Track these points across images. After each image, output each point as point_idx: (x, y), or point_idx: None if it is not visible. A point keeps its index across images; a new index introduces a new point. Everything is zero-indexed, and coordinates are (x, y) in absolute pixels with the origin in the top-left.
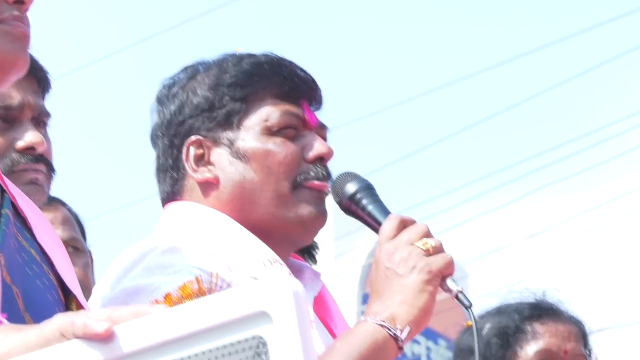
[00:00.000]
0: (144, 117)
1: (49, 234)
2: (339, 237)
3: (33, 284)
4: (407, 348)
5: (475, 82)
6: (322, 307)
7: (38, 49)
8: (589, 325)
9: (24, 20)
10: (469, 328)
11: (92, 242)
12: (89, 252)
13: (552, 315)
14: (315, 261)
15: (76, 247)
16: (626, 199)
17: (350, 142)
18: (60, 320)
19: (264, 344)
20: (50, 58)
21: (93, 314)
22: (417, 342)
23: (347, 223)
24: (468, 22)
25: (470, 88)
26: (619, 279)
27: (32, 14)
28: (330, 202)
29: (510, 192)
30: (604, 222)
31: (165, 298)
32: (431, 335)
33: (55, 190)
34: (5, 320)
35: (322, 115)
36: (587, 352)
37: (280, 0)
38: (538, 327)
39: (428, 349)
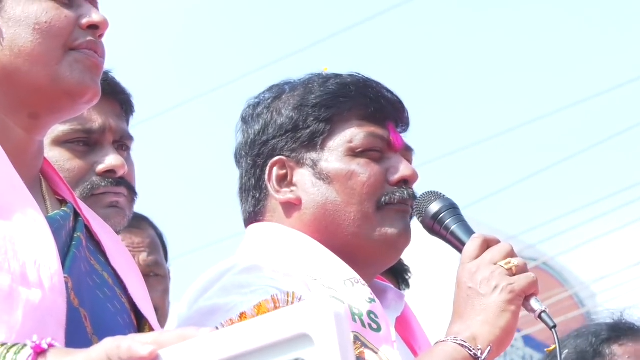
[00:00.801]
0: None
1: (124, 258)
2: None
3: (103, 307)
4: None
5: (599, 101)
6: (405, 327)
7: (144, 85)
8: None
9: (98, 48)
10: (550, 354)
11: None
12: (169, 271)
13: (631, 336)
14: (408, 285)
15: (158, 273)
16: None
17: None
18: (108, 344)
19: None
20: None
21: (139, 337)
22: None
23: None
24: (577, 46)
25: (594, 106)
26: None
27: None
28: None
29: (637, 209)
30: None
31: (240, 317)
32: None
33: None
34: (57, 344)
35: (409, 137)
36: None
37: (374, 36)
38: (616, 349)
39: None
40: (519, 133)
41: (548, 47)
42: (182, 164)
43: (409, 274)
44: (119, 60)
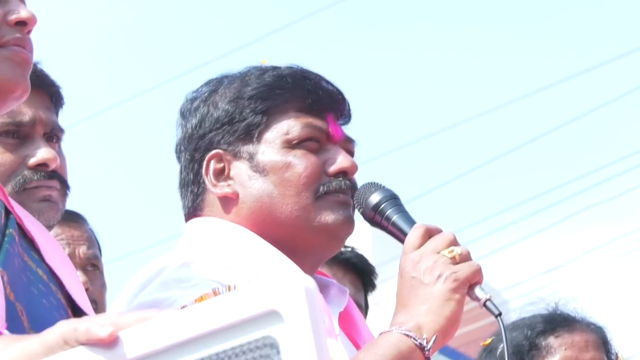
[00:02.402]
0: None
1: (58, 254)
2: (378, 264)
3: (38, 303)
4: None
5: (510, 110)
6: (348, 323)
7: (68, 86)
8: (609, 331)
9: (26, 44)
10: (486, 348)
11: (119, 280)
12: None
13: (567, 327)
14: (374, 287)
15: (96, 265)
16: None
17: (382, 173)
18: (63, 327)
19: (276, 345)
20: (80, 97)
21: (97, 320)
22: None
23: (387, 250)
24: (479, 59)
25: (504, 116)
26: None
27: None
28: (369, 229)
29: (548, 218)
30: None
31: None
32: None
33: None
34: (6, 331)
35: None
36: (610, 358)
37: (309, 36)
38: (552, 341)
39: None
40: (427, 144)
41: (449, 61)
42: (112, 165)
43: (375, 275)
44: (49, 55)
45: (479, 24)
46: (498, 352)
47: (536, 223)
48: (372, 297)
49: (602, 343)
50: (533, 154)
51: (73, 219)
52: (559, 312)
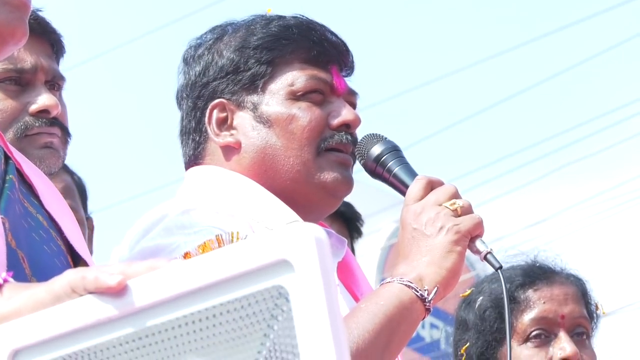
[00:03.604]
0: (154, 109)
1: (57, 200)
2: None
3: (40, 249)
4: (426, 333)
5: (491, 65)
6: (346, 273)
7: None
8: (588, 282)
9: None
10: (465, 300)
11: (102, 233)
12: (90, 219)
13: (546, 280)
14: (360, 233)
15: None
16: (631, 185)
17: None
18: (71, 275)
19: (286, 294)
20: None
21: (105, 268)
22: (436, 327)
23: (365, 206)
24: (464, 13)
25: (486, 71)
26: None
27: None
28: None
29: (530, 173)
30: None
31: (184, 257)
32: (450, 320)
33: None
34: (11, 279)
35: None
36: (591, 310)
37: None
38: (531, 294)
39: (447, 332)
40: (409, 98)
41: (428, 19)
42: (107, 114)
43: (361, 222)
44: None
45: None
46: (477, 304)
47: (518, 178)
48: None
49: (582, 295)
50: (514, 109)
51: None
52: (537, 264)
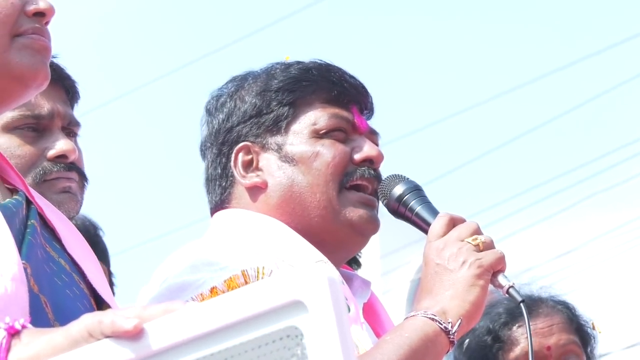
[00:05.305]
0: (181, 145)
1: (79, 244)
2: (385, 254)
3: (63, 294)
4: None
5: (514, 97)
6: (371, 314)
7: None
8: (576, 308)
9: (44, 33)
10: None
11: (131, 273)
12: (108, 272)
13: (529, 314)
14: (359, 265)
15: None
16: None
17: (389, 161)
18: (88, 320)
19: (300, 334)
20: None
21: (121, 312)
22: None
23: (394, 240)
24: (482, 45)
25: (510, 103)
26: None
27: (64, 47)
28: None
29: (554, 205)
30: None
31: (211, 292)
32: None
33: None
34: (30, 325)
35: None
36: (584, 333)
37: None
38: (515, 331)
39: None
40: (433, 132)
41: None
42: (116, 157)
43: (360, 253)
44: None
45: (482, 10)
46: (465, 347)
47: (545, 209)
48: (379, 286)
49: (569, 321)
50: (539, 140)
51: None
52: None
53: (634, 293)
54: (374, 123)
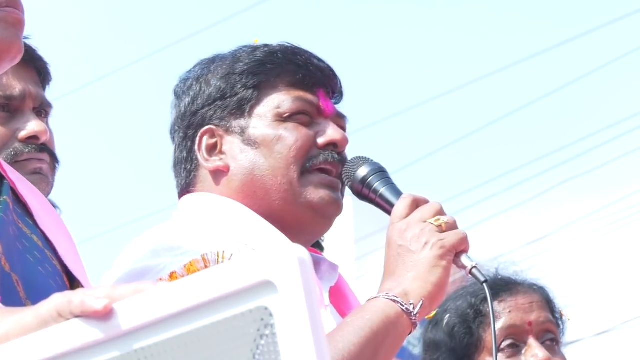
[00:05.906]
0: (155, 129)
1: (52, 219)
2: (359, 239)
3: (35, 271)
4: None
5: (488, 83)
6: (339, 298)
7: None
8: (552, 290)
9: (18, 6)
10: (431, 321)
11: (108, 255)
12: None
13: (509, 290)
14: (322, 249)
15: None
16: (627, 202)
17: (360, 147)
18: (57, 299)
19: (270, 315)
20: (61, 73)
21: (91, 292)
22: None
23: (368, 224)
24: (463, 29)
25: (483, 89)
26: (625, 280)
27: (39, 30)
28: (350, 204)
29: (528, 191)
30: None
31: (170, 277)
32: None
33: (69, 204)
34: (0, 304)
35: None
36: (556, 317)
37: (296, 14)
38: (496, 305)
39: None
40: (406, 117)
41: (429, 35)
42: (93, 140)
43: (322, 238)
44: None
45: None
46: (444, 323)
47: (517, 195)
48: (353, 271)
49: (547, 302)
50: (511, 126)
51: None
52: (500, 277)
53: (605, 280)
54: (344, 108)
